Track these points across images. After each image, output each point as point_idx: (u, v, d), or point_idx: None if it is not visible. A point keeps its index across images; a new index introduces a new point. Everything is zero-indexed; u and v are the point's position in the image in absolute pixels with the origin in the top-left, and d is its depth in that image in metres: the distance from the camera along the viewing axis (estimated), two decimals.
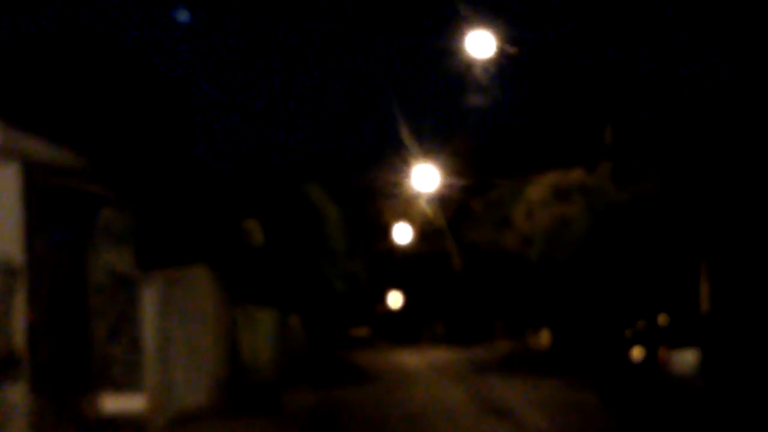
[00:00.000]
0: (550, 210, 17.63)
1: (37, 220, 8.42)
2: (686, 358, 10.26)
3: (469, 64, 12.93)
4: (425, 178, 18.09)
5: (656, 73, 13.23)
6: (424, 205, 22.51)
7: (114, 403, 9.58)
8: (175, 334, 10.56)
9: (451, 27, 12.41)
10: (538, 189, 18.23)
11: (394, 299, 34.50)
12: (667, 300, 14.21)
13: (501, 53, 12.48)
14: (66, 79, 10.78)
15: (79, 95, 10.75)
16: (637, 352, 11.04)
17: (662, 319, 11.17)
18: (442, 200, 21.27)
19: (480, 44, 12.27)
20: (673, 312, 11.83)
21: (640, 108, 14.73)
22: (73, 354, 9.32)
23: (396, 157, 18.00)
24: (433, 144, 17.93)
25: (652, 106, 14.41)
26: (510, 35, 12.20)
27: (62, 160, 9.10)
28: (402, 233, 26.64)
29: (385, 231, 26.96)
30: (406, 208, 25.16)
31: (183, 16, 12.26)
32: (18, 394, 7.91)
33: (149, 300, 9.93)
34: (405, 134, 17.30)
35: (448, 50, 12.77)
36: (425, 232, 26.17)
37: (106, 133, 10.45)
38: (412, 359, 23.02)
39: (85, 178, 9.45)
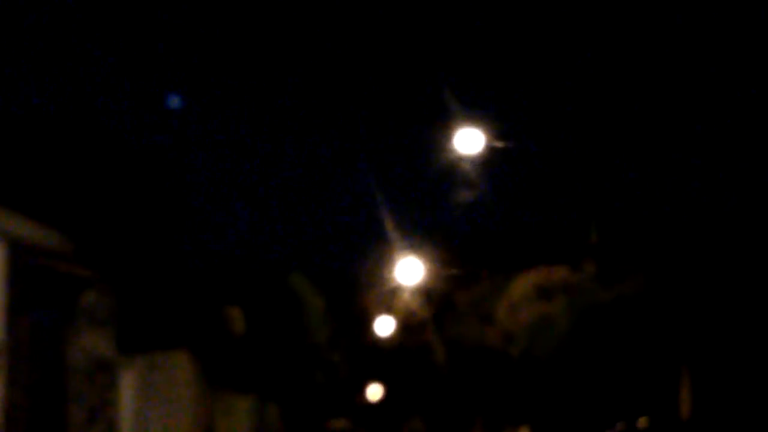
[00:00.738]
0: (533, 307, 17.62)
1: (19, 300, 8.39)
2: None
3: (456, 159, 13.04)
4: (409, 270, 18.07)
5: (643, 176, 13.37)
6: (407, 298, 22.44)
7: None
8: (152, 418, 10.45)
9: (440, 122, 12.55)
10: (521, 286, 18.23)
11: (374, 391, 34.16)
12: (647, 402, 14.14)
13: (489, 149, 12.59)
14: (53, 160, 10.81)
15: (66, 177, 10.77)
16: None
17: (642, 421, 11.11)
18: (426, 293, 21.21)
19: (468, 140, 12.38)
20: (653, 415, 11.77)
21: (627, 207, 14.85)
22: None
23: (381, 249, 18.02)
24: (418, 236, 17.97)
25: (638, 206, 14.53)
26: (498, 131, 12.33)
27: (47, 241, 9.09)
28: (384, 325, 26.52)
29: (368, 322, 26.85)
30: (389, 300, 25.09)
31: (174, 102, 12.38)
32: None
33: (129, 384, 9.85)
34: (390, 226, 17.36)
35: (436, 145, 12.88)
36: (408, 325, 26.06)
37: (92, 215, 10.45)
38: None
39: (69, 260, 9.43)
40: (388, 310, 25.98)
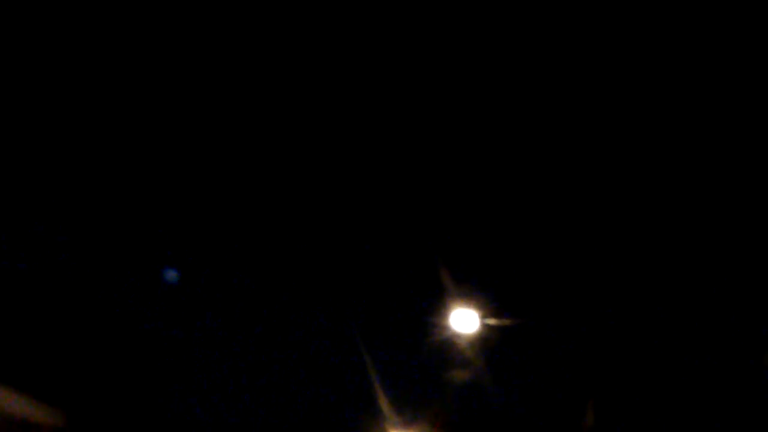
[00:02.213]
0: None
1: None
2: None
3: (452, 338, 13.02)
4: None
5: (641, 356, 13.31)
6: None
7: None
8: None
9: (436, 302, 12.60)
10: None
11: None
12: None
13: (485, 329, 12.60)
14: (45, 331, 10.77)
15: (58, 349, 10.70)
16: None
17: None
18: None
19: (464, 320, 12.42)
20: None
21: (625, 386, 14.71)
22: None
23: (374, 427, 17.73)
24: (412, 415, 17.72)
25: (636, 384, 14.39)
26: (494, 311, 12.37)
27: (38, 416, 8.99)
28: None
29: None
30: None
31: (172, 276, 12.43)
32: None
33: None
34: (384, 404, 17.15)
35: (431, 324, 12.89)
36: None
37: (84, 390, 10.34)
38: None
39: None
40: None
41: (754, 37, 9.21)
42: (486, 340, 12.92)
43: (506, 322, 12.56)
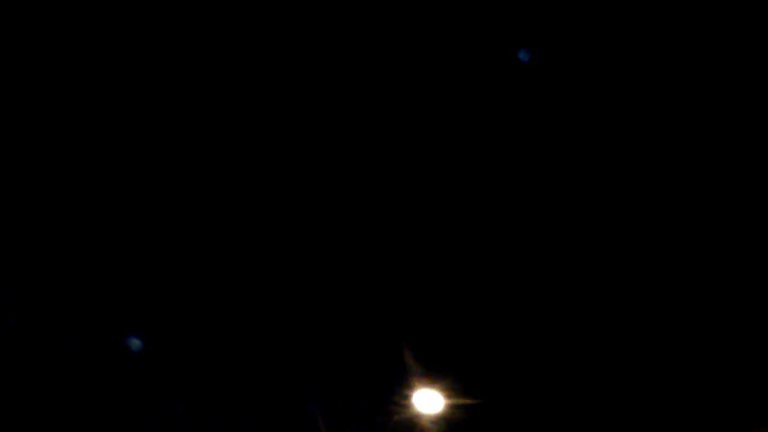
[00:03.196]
0: None
1: None
2: None
3: (415, 418, 12.85)
4: None
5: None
6: None
7: None
8: None
9: (399, 382, 12.47)
10: None
11: None
12: None
13: (448, 409, 12.49)
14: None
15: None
16: None
17: None
18: None
19: (428, 400, 12.29)
20: None
21: None
22: None
23: None
24: None
25: None
26: (458, 391, 12.26)
27: None
28: None
29: None
30: None
31: (135, 345, 12.19)
32: None
33: None
34: None
35: (394, 403, 12.74)
36: None
37: None
38: None
39: None
40: None
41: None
42: (450, 420, 12.77)
43: (470, 401, 12.43)
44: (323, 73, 9.54)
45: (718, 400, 12.18)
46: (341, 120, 9.95)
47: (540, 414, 12.99)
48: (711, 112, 9.85)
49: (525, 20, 9.25)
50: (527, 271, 11.22)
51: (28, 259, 10.91)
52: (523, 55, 9.65)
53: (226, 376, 12.54)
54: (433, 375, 12.18)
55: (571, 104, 9.90)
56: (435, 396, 12.19)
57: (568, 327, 11.78)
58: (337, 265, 11.45)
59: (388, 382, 12.49)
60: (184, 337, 12.13)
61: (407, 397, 12.45)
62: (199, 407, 12.63)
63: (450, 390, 12.32)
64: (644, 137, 10.11)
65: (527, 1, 9.13)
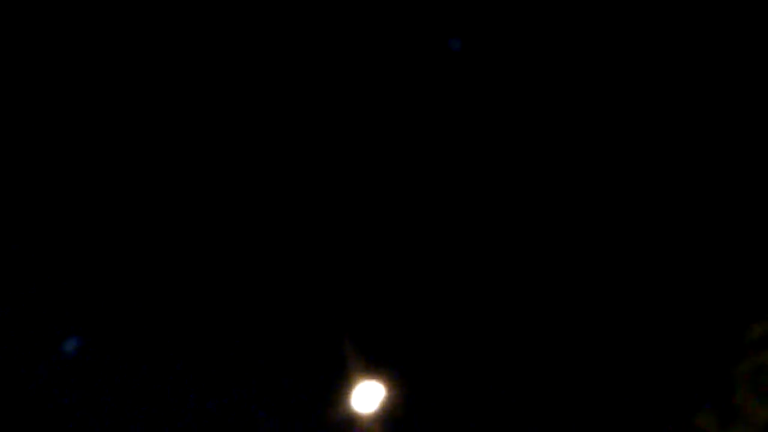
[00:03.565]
0: None
1: None
2: None
3: (355, 413, 12.79)
4: None
5: None
6: None
7: None
8: None
9: (336, 378, 12.40)
10: None
11: None
12: None
13: (386, 407, 12.44)
14: None
15: None
16: None
17: None
18: None
19: (368, 394, 12.22)
20: None
21: None
22: None
23: None
24: None
25: None
26: (399, 384, 12.21)
27: None
28: None
29: None
30: None
31: (70, 346, 11.95)
32: None
33: None
34: None
35: (330, 402, 12.66)
36: None
37: None
38: None
39: None
40: None
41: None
42: (390, 414, 12.71)
43: (411, 394, 12.39)
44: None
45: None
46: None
47: (483, 408, 13.00)
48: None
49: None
50: (472, 254, 11.25)
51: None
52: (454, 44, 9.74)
53: (161, 377, 12.36)
54: (375, 368, 12.11)
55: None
56: (376, 389, 12.11)
57: (517, 314, 11.80)
58: (275, 258, 11.36)
59: (326, 375, 12.41)
60: (123, 336, 11.94)
61: (347, 392, 12.37)
62: (142, 407, 12.44)
63: (391, 383, 12.26)
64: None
65: None
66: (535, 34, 9.57)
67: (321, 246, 11.51)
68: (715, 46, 9.65)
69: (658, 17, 9.48)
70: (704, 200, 10.75)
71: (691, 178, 10.63)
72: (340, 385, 12.40)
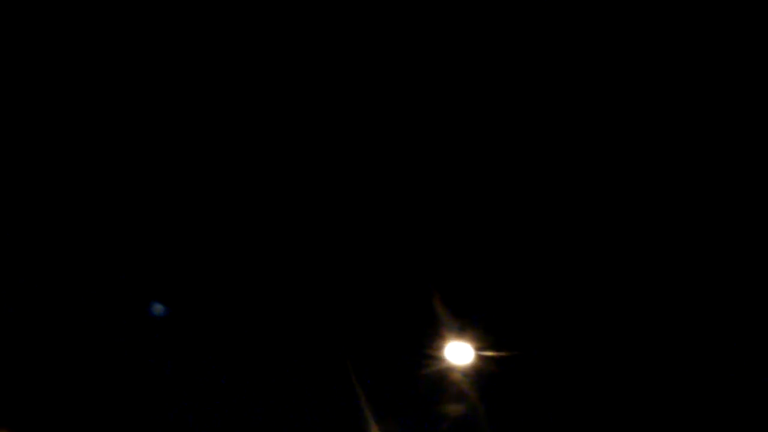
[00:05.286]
0: None
1: None
2: None
3: (447, 371, 12.85)
4: None
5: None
6: None
7: None
8: None
9: (430, 334, 12.44)
10: None
11: None
12: None
13: (480, 361, 12.45)
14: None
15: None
16: None
17: None
18: None
19: (459, 352, 12.27)
20: None
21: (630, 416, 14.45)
22: None
23: None
24: None
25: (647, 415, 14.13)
26: (490, 343, 12.22)
27: None
28: None
29: None
30: None
31: (158, 310, 12.15)
32: None
33: None
34: None
35: (426, 356, 12.72)
36: None
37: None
38: None
39: None
40: None
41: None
42: (481, 372, 12.73)
43: (502, 353, 12.38)
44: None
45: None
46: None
47: (573, 367, 12.95)
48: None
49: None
50: (560, 216, 11.14)
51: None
52: None
53: (255, 334, 12.55)
54: (466, 327, 12.13)
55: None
56: (467, 348, 12.15)
57: (605, 279, 11.70)
58: (365, 216, 11.41)
59: (419, 335, 12.47)
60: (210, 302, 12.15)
61: (439, 350, 12.42)
62: (240, 363, 12.65)
63: (481, 342, 12.27)
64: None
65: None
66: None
67: (410, 196, 11.49)
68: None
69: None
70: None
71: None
72: (431, 344, 12.46)
